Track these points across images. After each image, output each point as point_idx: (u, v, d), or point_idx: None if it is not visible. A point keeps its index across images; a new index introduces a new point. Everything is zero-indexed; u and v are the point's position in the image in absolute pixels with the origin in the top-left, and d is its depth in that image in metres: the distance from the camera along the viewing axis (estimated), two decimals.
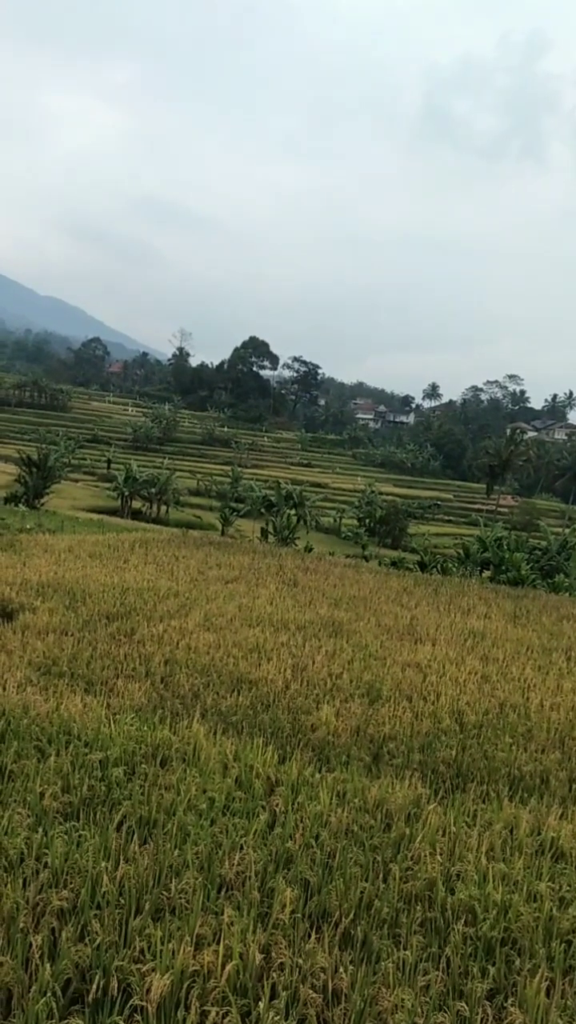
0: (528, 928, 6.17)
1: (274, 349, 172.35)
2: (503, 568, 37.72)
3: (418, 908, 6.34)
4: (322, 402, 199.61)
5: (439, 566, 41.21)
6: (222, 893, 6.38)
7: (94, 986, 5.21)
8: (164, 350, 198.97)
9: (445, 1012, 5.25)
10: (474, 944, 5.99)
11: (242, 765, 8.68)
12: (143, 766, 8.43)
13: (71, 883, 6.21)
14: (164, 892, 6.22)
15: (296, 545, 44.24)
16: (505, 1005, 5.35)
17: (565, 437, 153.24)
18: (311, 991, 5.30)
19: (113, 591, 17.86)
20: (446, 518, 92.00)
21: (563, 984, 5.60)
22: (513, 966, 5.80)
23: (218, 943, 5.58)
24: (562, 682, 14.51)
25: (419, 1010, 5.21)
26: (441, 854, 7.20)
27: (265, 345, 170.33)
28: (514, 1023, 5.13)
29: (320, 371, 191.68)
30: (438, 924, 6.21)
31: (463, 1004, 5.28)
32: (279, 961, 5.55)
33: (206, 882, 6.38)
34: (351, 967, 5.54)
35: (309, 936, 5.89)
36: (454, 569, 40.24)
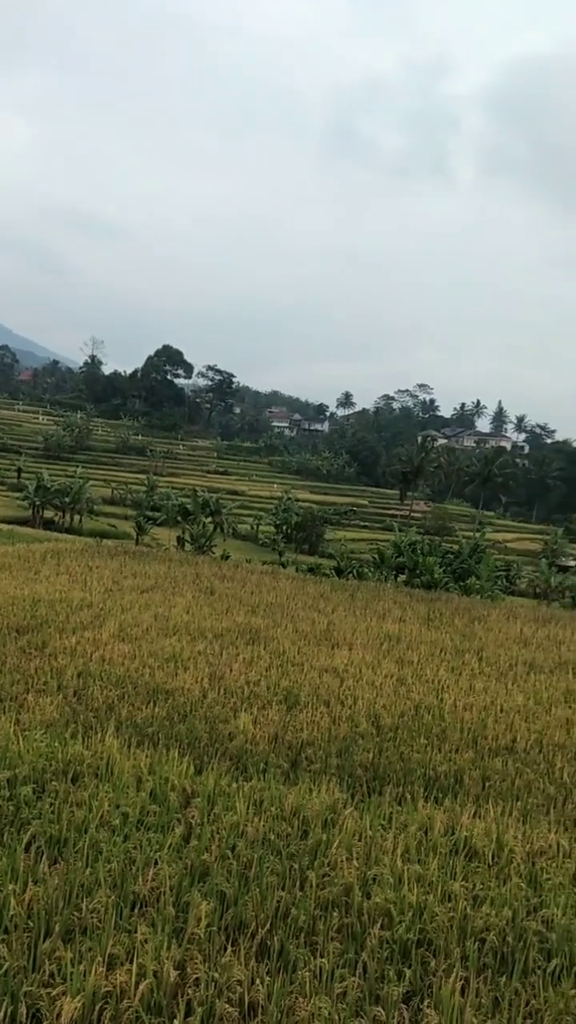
0: (443, 928, 6.22)
1: (189, 358, 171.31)
2: (417, 572, 38.33)
3: (335, 914, 6.32)
4: (237, 410, 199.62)
5: (355, 571, 41.63)
6: (136, 910, 6.23)
7: (1, 1014, 5.00)
8: (76, 358, 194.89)
9: (362, 1018, 5.24)
10: (390, 948, 6.01)
11: (157, 778, 8.53)
12: (53, 783, 8.19)
13: None
14: (75, 912, 6.04)
15: (213, 553, 43.98)
16: (421, 1007, 5.37)
17: (474, 444, 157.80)
18: (227, 1005, 5.22)
19: (23, 603, 17.39)
20: (362, 524, 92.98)
21: (477, 983, 5.66)
22: (429, 967, 5.84)
23: (131, 962, 5.44)
24: (474, 682, 14.82)
25: (336, 1017, 5.18)
26: (357, 859, 7.21)
27: (179, 353, 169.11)
28: None
29: (235, 380, 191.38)
30: (355, 929, 6.20)
31: (380, 1009, 5.28)
32: (194, 976, 5.45)
33: (119, 900, 6.22)
34: (268, 978, 5.48)
35: (225, 949, 5.80)
36: (370, 574, 40.70)
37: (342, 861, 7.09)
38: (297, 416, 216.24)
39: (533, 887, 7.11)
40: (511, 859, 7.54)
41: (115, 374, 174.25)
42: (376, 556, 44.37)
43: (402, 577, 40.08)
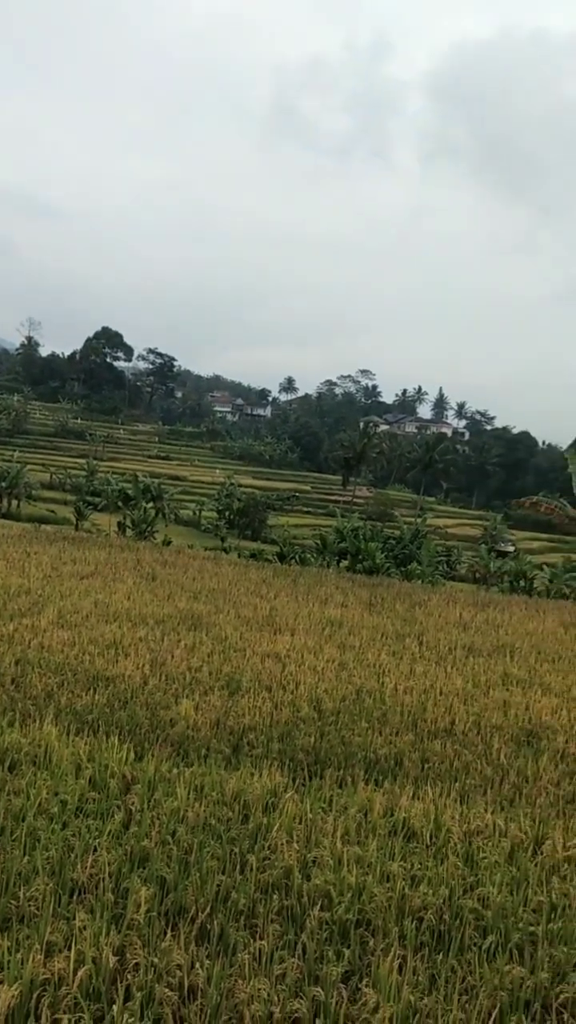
0: (381, 908, 6.31)
1: (129, 341, 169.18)
2: (359, 557, 38.67)
3: (275, 897, 6.36)
4: (179, 394, 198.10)
5: (298, 557, 41.83)
6: (74, 897, 6.18)
7: None
8: (12, 339, 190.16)
9: (301, 998, 5.28)
10: (330, 928, 6.07)
11: (96, 765, 8.45)
12: None
13: None
14: (12, 901, 5.96)
15: (155, 539, 43.67)
16: (360, 986, 5.44)
17: (415, 430, 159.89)
18: (167, 989, 5.21)
19: None
20: (304, 509, 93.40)
21: (415, 961, 5.75)
22: (367, 947, 5.91)
23: (70, 949, 5.39)
24: (414, 666, 15.02)
25: (275, 998, 5.22)
26: (298, 841, 7.25)
27: (119, 336, 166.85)
28: (367, 1002, 5.23)
29: (176, 363, 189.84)
30: (294, 911, 6.25)
31: (318, 989, 5.33)
32: (134, 962, 5.43)
33: (57, 887, 6.15)
34: (207, 962, 5.49)
35: (165, 934, 5.79)
36: (312, 559, 40.94)
37: (283, 844, 7.13)
38: (239, 401, 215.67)
39: (469, 866, 7.25)
40: (448, 839, 7.68)
41: (53, 356, 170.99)
42: (318, 542, 44.64)
43: (344, 563, 40.38)
